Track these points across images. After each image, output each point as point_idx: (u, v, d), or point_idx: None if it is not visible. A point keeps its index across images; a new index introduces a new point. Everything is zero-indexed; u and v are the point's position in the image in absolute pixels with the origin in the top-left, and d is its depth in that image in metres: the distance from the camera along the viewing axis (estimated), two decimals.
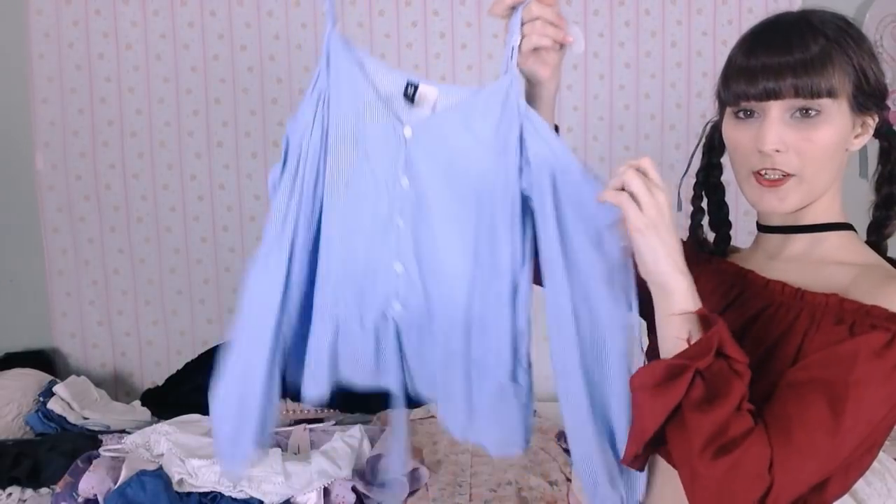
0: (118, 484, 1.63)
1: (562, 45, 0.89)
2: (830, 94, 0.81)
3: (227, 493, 1.65)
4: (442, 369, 0.95)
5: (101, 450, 1.79)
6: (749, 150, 0.85)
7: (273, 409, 0.96)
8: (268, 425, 0.96)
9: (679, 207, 1.03)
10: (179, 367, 2.38)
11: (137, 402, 2.23)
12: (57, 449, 1.82)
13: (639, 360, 0.88)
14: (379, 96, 0.93)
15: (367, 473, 1.79)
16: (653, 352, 0.99)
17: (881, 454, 1.47)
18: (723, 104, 0.90)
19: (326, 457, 1.74)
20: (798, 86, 0.80)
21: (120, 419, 2.08)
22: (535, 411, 1.16)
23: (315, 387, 1.00)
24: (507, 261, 0.90)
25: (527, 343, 0.93)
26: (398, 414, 1.05)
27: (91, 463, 1.73)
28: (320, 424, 2.04)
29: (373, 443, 1.88)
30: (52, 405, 2.03)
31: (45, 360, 2.37)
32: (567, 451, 1.84)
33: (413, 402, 1.02)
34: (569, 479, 1.85)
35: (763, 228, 0.95)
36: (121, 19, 2.35)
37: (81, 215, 2.41)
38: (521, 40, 0.88)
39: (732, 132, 0.88)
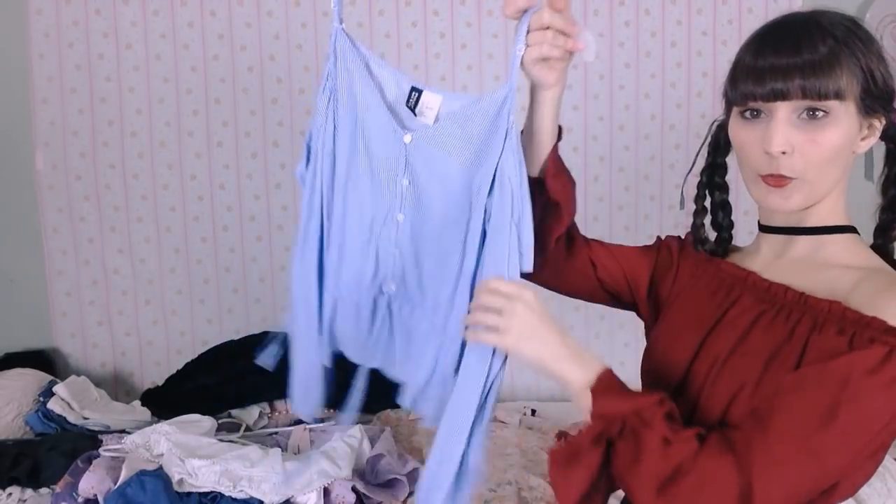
0: (118, 484, 1.62)
1: (571, 52, 0.89)
2: (838, 95, 0.80)
3: (227, 493, 1.64)
4: (422, 341, 1.03)
5: (101, 450, 1.79)
6: (755, 151, 0.85)
7: (323, 370, 1.12)
8: (322, 383, 1.11)
9: (682, 206, 1.04)
10: (179, 367, 2.37)
11: (137, 402, 2.22)
12: (57, 449, 1.81)
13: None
14: (383, 98, 0.97)
15: (367, 473, 1.78)
16: (648, 357, 1.00)
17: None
18: (729, 104, 0.90)
19: (326, 457, 1.74)
20: (806, 87, 0.80)
21: (120, 419, 2.08)
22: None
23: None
24: (472, 265, 0.95)
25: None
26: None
27: (91, 463, 1.72)
28: (320, 424, 2.03)
29: (373, 443, 1.87)
30: (52, 405, 2.02)
31: (45, 360, 2.37)
32: None
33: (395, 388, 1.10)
34: None
35: (765, 229, 0.95)
36: (121, 19, 2.34)
37: (81, 215, 2.41)
38: (527, 49, 0.86)
39: (739, 132, 0.88)
